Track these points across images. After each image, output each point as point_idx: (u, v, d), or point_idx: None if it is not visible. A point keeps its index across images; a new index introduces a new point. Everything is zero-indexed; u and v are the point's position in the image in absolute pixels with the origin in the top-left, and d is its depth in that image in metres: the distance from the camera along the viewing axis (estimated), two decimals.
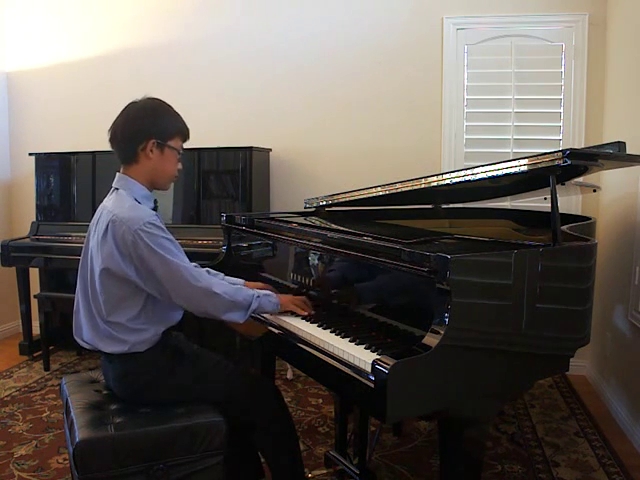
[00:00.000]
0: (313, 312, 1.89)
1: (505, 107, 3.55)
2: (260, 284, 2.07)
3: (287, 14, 3.85)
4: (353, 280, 1.86)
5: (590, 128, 3.49)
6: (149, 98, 1.85)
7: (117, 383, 1.84)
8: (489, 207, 2.81)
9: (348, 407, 2.24)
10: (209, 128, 3.83)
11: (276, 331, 1.86)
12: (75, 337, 1.87)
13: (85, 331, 1.82)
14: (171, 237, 1.75)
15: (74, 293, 1.89)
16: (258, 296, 1.82)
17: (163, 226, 1.75)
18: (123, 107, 1.85)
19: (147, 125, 1.77)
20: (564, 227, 1.94)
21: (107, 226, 1.71)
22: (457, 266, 1.41)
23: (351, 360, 1.48)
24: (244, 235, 2.50)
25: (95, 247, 1.77)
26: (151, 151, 1.78)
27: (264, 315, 1.93)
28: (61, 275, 3.87)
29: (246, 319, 1.81)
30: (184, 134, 1.86)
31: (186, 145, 1.92)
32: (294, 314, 1.89)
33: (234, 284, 1.93)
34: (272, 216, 2.69)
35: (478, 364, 1.49)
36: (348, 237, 1.86)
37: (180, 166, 1.88)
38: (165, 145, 1.80)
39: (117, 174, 1.86)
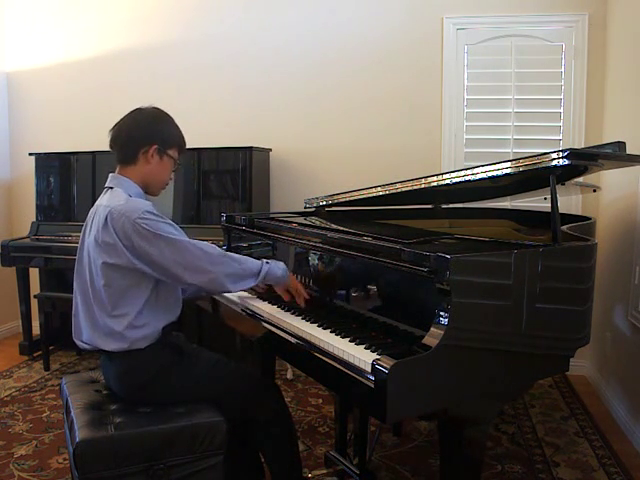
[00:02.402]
0: (303, 305, 1.94)
1: (505, 107, 3.55)
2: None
3: (287, 14, 3.85)
4: (353, 280, 1.86)
5: (590, 128, 3.49)
6: (155, 107, 1.94)
7: (117, 382, 1.84)
8: (489, 207, 2.80)
9: (348, 407, 2.24)
10: (209, 128, 3.84)
11: (276, 331, 1.86)
12: (75, 339, 1.87)
13: (85, 331, 1.82)
14: (170, 221, 1.80)
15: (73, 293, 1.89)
16: (267, 262, 1.89)
17: (159, 214, 1.80)
18: (128, 111, 1.92)
19: (153, 131, 1.87)
20: (564, 227, 1.94)
21: (106, 219, 1.75)
22: (457, 266, 1.41)
23: (351, 360, 1.47)
24: (244, 235, 2.50)
25: (93, 243, 1.79)
26: (152, 156, 1.87)
27: (263, 315, 1.94)
28: (61, 275, 3.87)
29: (257, 283, 1.87)
30: (182, 146, 1.97)
31: (186, 145, 2.00)
32: (294, 314, 1.90)
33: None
34: (272, 216, 2.69)
35: (478, 364, 1.49)
36: (348, 237, 1.86)
37: (172, 176, 1.97)
38: (165, 153, 1.89)
39: (110, 175, 1.92)
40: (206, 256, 1.77)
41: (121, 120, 1.90)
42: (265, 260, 1.91)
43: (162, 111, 1.94)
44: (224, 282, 1.81)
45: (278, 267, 1.91)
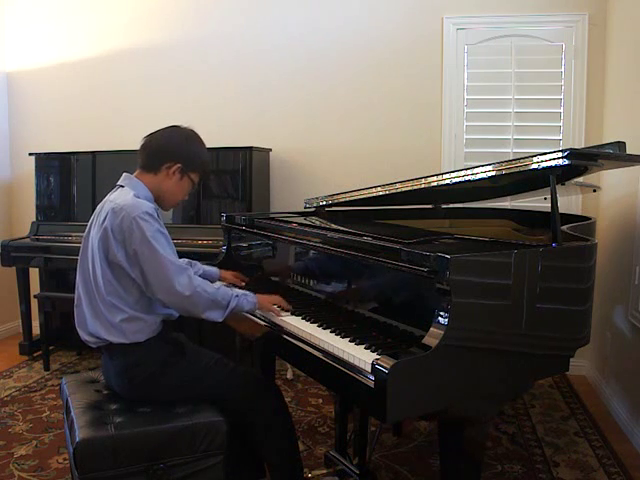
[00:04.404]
0: (291, 308, 1.92)
1: (505, 107, 3.55)
2: (232, 272, 2.27)
3: (287, 15, 3.84)
4: (353, 280, 1.86)
5: (590, 128, 3.49)
6: (192, 129, 2.00)
7: (118, 378, 1.85)
8: (489, 207, 2.80)
9: (348, 407, 2.24)
10: (209, 128, 3.80)
11: (276, 331, 1.86)
12: (78, 329, 1.88)
13: (89, 321, 1.84)
14: (165, 231, 1.82)
15: (74, 292, 1.90)
16: (237, 295, 1.87)
17: (160, 220, 1.83)
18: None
19: (182, 150, 1.93)
20: (564, 227, 1.94)
21: (107, 214, 1.80)
22: (457, 266, 1.41)
23: (351, 360, 1.48)
24: (244, 235, 2.50)
25: (96, 236, 1.83)
26: (173, 173, 1.92)
27: (264, 315, 1.94)
28: (61, 275, 3.87)
29: (224, 318, 1.85)
30: (204, 172, 2.03)
31: (208, 171, 2.10)
32: (294, 314, 1.89)
33: (210, 275, 2.19)
34: (272, 216, 2.69)
35: (478, 364, 1.49)
36: (348, 237, 1.86)
37: (187, 197, 2.03)
38: (186, 174, 1.94)
39: (124, 174, 1.95)
40: (178, 280, 1.75)
41: (157, 131, 1.95)
42: (235, 293, 1.88)
43: (197, 135, 2.00)
44: (188, 308, 1.81)
45: (247, 301, 1.89)
